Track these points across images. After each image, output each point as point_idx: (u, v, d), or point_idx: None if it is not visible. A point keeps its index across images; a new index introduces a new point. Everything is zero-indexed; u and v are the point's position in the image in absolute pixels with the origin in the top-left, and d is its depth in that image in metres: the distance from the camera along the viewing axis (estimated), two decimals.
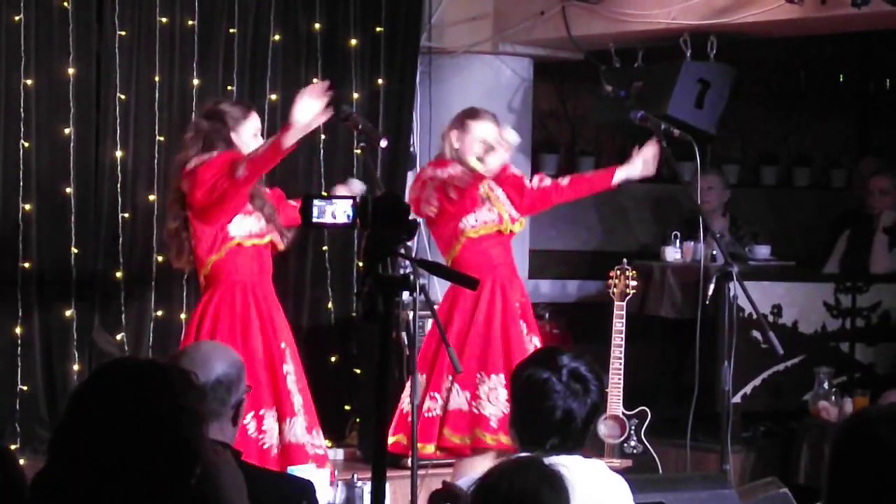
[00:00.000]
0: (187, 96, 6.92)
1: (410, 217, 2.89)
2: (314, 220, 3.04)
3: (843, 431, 2.54)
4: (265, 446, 5.29)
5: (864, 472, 2.45)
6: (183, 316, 6.88)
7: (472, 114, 5.98)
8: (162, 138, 6.83)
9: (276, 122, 7.16)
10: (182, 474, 2.35)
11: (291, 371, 5.43)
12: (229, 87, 7.03)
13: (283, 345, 5.45)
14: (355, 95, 7.38)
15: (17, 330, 6.54)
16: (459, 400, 5.67)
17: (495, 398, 5.67)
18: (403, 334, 5.22)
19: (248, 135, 5.50)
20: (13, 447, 6.50)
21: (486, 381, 5.64)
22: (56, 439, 2.37)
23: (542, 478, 2.95)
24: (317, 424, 5.49)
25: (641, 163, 6.05)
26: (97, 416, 2.34)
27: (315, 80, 7.25)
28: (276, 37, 7.18)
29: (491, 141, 5.83)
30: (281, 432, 5.34)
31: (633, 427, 6.76)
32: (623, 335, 6.63)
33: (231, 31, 7.04)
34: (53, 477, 2.35)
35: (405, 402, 5.62)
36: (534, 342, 5.89)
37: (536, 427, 3.50)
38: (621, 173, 6.06)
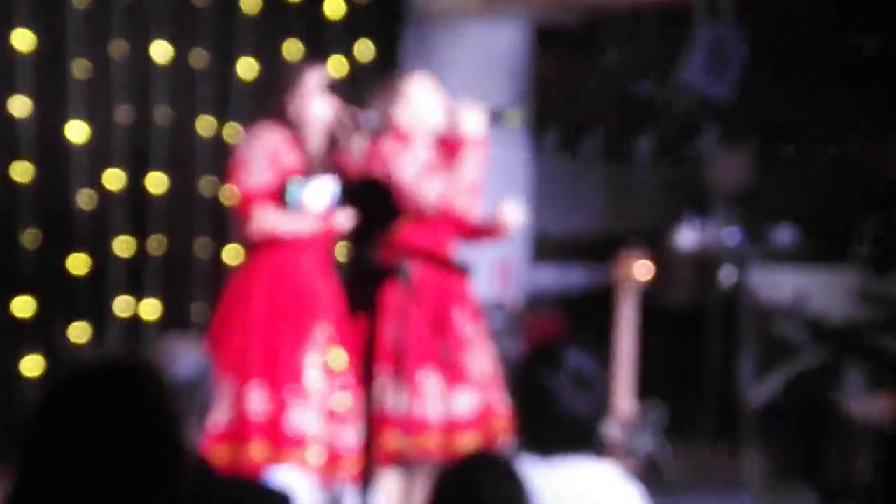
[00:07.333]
0: (153, 68, 6.92)
1: (396, 200, 2.90)
2: (292, 203, 3.05)
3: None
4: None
5: None
6: (148, 308, 6.91)
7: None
8: (124, 114, 6.84)
9: (253, 97, 7.18)
10: (167, 480, 2.38)
11: (315, 361, 5.50)
12: (199, 58, 7.04)
13: (317, 328, 5.53)
14: (337, 65, 7.39)
15: None
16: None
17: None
18: None
19: (305, 93, 5.59)
20: None
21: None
22: (28, 455, 2.38)
23: (503, 475, 3.08)
24: (346, 420, 5.52)
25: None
26: (71, 430, 2.37)
27: (296, 50, 7.29)
28: (251, 3, 7.18)
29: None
30: (278, 417, 5.42)
31: (643, 425, 6.77)
32: (632, 325, 6.64)
33: None
34: (29, 495, 2.37)
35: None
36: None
37: (541, 430, 3.53)
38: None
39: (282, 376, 5.44)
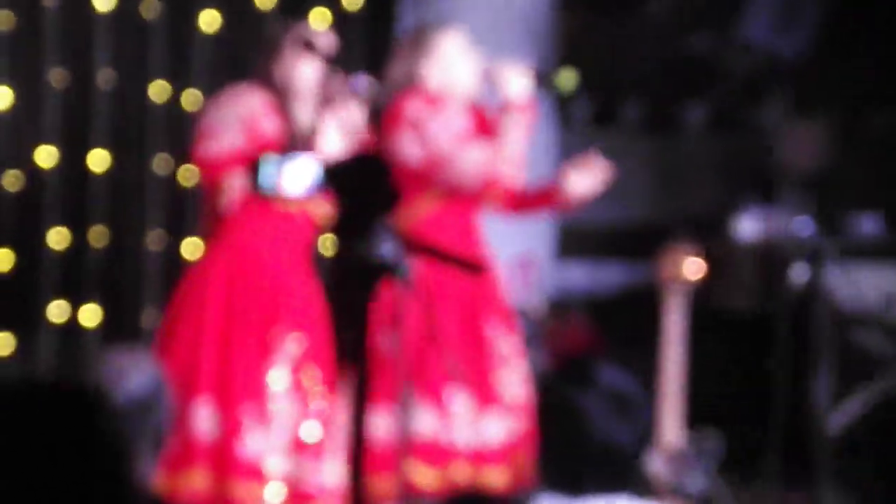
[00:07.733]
0: (93, 20, 6.94)
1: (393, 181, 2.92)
2: (265, 187, 3.07)
3: None
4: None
5: None
6: (88, 313, 6.93)
7: None
8: (57, 77, 6.86)
9: (216, 57, 7.20)
10: None
11: (283, 379, 5.51)
12: (150, 8, 7.06)
13: (287, 339, 5.55)
14: (319, 16, 7.41)
15: None
16: None
17: None
18: None
19: (292, 59, 5.59)
20: None
21: None
22: None
23: None
24: (319, 453, 5.54)
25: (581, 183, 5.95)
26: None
27: None
28: None
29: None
30: (229, 439, 5.43)
31: (694, 458, 6.79)
32: (681, 335, 6.66)
33: None
34: None
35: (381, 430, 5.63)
36: None
37: (570, 461, 3.54)
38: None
39: (237, 393, 5.42)
